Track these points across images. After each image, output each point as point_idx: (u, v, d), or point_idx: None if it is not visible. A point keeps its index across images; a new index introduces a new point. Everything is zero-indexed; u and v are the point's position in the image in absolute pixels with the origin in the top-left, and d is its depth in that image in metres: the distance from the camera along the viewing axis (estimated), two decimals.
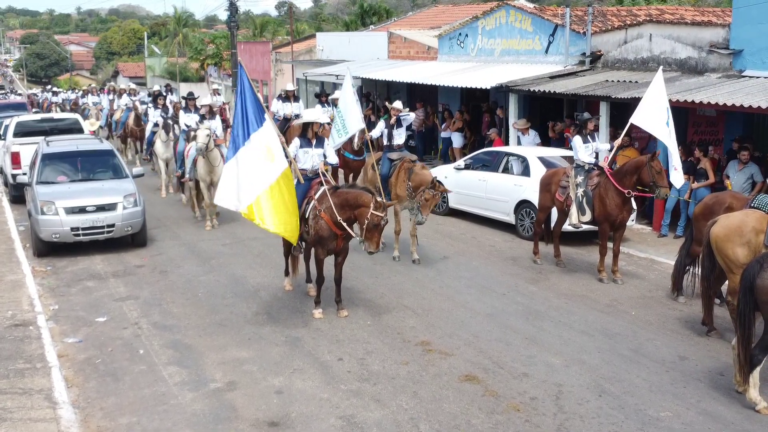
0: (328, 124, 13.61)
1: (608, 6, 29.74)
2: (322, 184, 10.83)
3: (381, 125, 13.95)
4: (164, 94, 23.71)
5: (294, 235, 10.40)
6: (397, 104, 14.25)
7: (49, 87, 45.44)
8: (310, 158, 11.17)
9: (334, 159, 11.60)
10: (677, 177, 12.25)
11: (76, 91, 45.63)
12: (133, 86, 31.26)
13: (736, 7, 15.67)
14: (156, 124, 20.88)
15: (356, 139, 15.22)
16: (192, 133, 16.87)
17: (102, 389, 8.65)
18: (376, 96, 28.50)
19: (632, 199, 12.45)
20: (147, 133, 22.26)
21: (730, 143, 15.47)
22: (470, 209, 16.76)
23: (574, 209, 12.49)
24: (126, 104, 27.76)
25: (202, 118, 17.35)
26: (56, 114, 27.57)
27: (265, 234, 15.06)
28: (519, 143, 19.21)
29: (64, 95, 42.89)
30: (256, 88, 10.59)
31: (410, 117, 14.56)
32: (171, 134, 19.40)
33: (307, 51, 38.46)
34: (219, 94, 30.77)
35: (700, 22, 18.19)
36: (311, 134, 11.31)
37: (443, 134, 23.44)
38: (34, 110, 39.92)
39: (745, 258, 9.14)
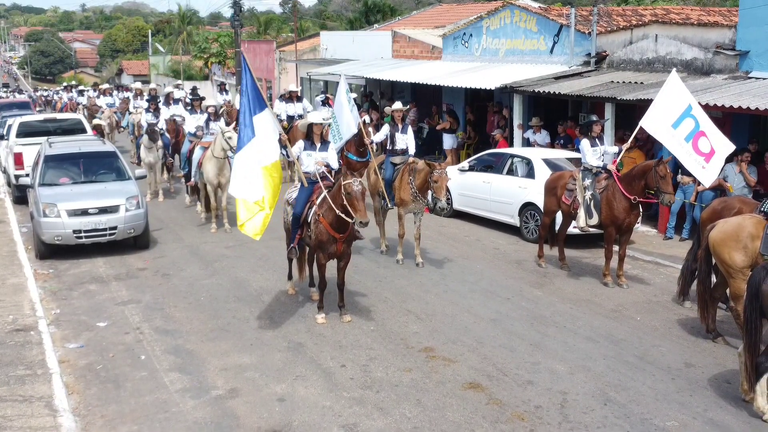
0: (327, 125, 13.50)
1: (612, 5, 29.62)
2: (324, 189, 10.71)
3: (385, 129, 13.83)
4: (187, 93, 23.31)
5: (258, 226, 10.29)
6: (397, 105, 14.15)
7: (74, 86, 44.18)
8: (314, 161, 11.07)
9: (335, 163, 11.45)
10: (705, 175, 11.82)
11: (86, 90, 45.02)
12: (183, 93, 27.13)
13: (742, 8, 15.55)
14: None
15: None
16: (200, 133, 16.85)
17: (103, 396, 8.58)
18: (379, 96, 28.40)
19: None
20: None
21: (736, 144, 15.30)
22: (474, 211, 16.66)
23: (581, 213, 12.38)
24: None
25: (208, 119, 17.23)
26: (59, 114, 27.43)
27: (268, 236, 15.02)
28: (527, 143, 19.10)
29: (92, 92, 41.89)
30: (260, 86, 10.64)
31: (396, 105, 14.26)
32: (158, 141, 19.06)
33: (311, 50, 38.39)
34: (226, 91, 30.34)
35: (706, 22, 18.05)
36: (315, 137, 11.21)
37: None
38: (38, 109, 39.76)
39: (742, 263, 9.10)
